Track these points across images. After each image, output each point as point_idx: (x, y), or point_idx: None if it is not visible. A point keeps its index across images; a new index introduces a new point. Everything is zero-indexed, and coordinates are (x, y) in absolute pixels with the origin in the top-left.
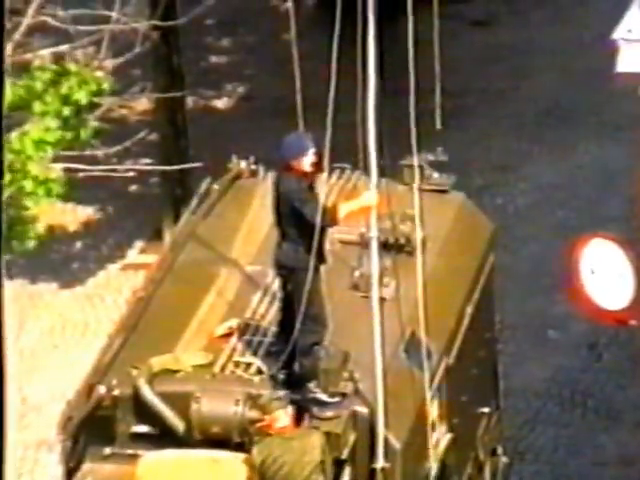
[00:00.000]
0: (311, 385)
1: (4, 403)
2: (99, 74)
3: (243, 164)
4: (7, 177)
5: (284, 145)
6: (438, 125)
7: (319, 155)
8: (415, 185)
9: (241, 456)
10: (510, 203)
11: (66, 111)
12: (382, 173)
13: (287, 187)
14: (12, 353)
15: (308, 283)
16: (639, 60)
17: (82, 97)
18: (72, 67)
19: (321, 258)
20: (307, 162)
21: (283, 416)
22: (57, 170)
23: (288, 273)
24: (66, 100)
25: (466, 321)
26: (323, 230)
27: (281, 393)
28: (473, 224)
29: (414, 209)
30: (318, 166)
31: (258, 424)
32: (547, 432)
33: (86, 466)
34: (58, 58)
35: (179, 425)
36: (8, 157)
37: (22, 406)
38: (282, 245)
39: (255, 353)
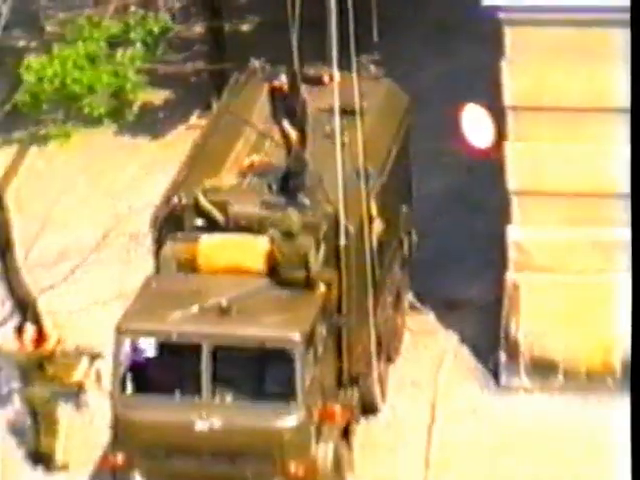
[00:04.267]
0: (300, 194)
1: None
2: (164, 16)
3: (257, 63)
4: (113, 79)
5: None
6: (375, 38)
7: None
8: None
9: (260, 238)
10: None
11: (149, 39)
12: (342, 67)
13: None
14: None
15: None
16: None
17: (156, 29)
18: (150, 14)
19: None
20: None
21: None
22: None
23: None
24: (149, 32)
25: (393, 154)
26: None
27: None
28: (397, 97)
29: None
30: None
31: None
32: (442, 221)
33: (167, 244)
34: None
35: (221, 220)
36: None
37: (128, 212)
38: None
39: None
